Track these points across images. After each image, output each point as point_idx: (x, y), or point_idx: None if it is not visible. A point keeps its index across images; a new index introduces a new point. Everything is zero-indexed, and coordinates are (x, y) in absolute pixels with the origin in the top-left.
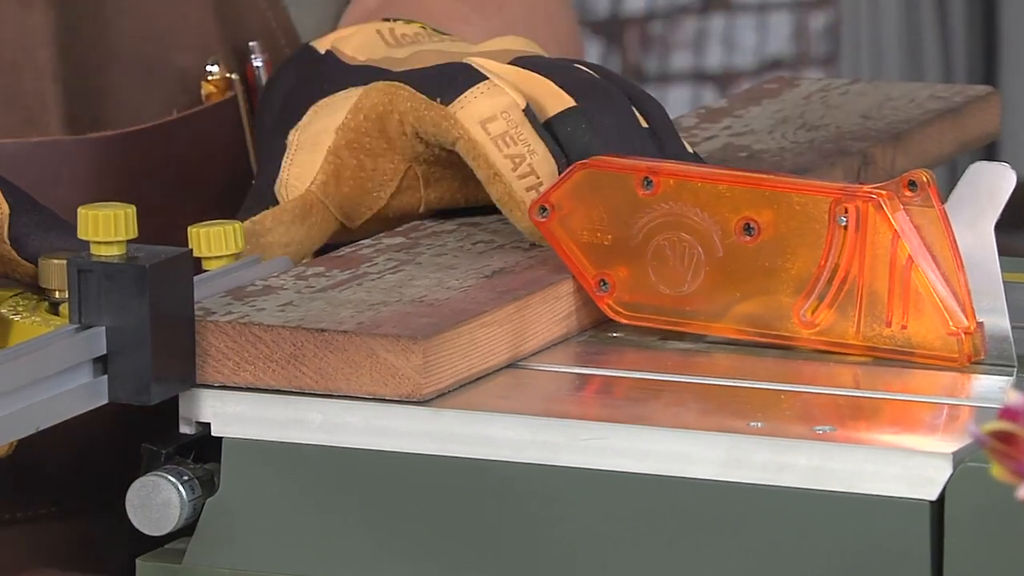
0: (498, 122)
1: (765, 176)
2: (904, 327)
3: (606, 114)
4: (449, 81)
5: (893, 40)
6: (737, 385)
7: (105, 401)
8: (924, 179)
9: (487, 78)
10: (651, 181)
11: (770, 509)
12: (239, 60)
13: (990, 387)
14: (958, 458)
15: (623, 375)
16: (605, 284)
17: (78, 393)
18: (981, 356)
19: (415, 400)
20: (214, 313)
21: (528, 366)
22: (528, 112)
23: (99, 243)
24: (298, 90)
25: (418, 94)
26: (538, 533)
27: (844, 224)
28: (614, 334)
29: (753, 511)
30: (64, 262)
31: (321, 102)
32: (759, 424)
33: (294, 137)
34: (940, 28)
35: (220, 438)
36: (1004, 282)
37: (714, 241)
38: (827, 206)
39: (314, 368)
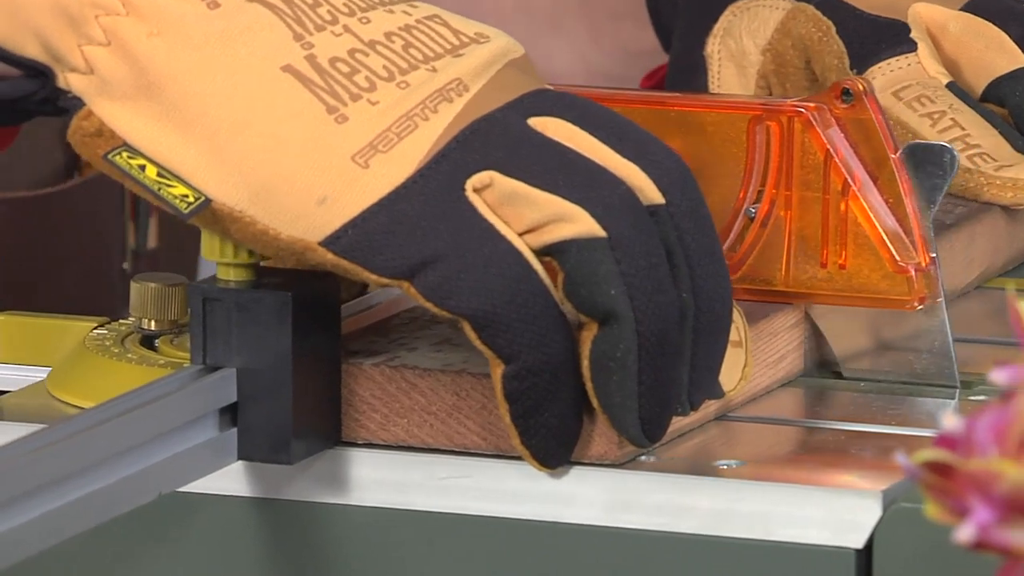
0: (912, 87)
1: (670, 96)
2: (842, 266)
3: None
4: (875, 42)
5: None
6: None
7: (234, 461)
8: (860, 87)
9: (914, 49)
10: None
11: (665, 560)
12: None
13: (928, 411)
14: (889, 498)
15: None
16: None
17: (201, 451)
18: (938, 297)
19: (608, 463)
20: (356, 354)
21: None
22: (952, 87)
23: (228, 265)
24: None
25: (842, 50)
26: None
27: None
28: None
29: (644, 563)
30: (160, 285)
31: (739, 3)
32: (651, 458)
33: (713, 47)
34: None
35: None
36: (947, 289)
37: None
38: (745, 126)
39: (480, 423)
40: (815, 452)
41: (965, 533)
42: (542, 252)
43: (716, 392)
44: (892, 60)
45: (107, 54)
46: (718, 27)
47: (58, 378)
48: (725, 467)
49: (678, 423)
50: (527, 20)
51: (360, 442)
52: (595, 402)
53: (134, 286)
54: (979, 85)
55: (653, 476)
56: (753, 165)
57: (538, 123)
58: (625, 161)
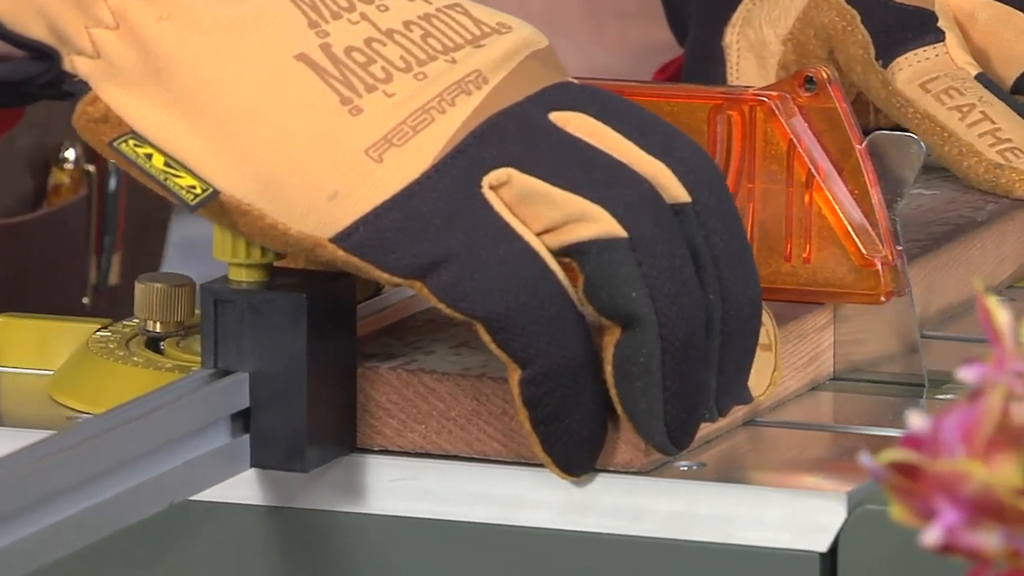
0: (941, 79)
1: (628, 85)
2: (807, 260)
3: None
4: (901, 31)
5: None
6: None
7: (247, 468)
8: (824, 75)
9: (942, 39)
10: None
11: (622, 564)
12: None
13: (894, 410)
14: (854, 499)
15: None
16: None
17: (213, 459)
18: (904, 292)
19: (634, 470)
20: (372, 357)
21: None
22: (981, 78)
23: (240, 266)
24: None
25: (867, 40)
26: None
27: None
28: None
29: (601, 567)
30: (166, 285)
31: None
32: (680, 465)
33: (732, 37)
34: None
35: None
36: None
37: None
38: (705, 115)
39: (501, 429)
40: (786, 454)
41: (932, 536)
42: (561, 253)
43: (745, 397)
44: (919, 50)
45: (115, 38)
46: (737, 16)
47: (61, 382)
48: (685, 468)
49: (705, 429)
50: (528, 18)
51: (376, 449)
52: (620, 408)
53: (139, 287)
54: (1009, 76)
55: (609, 478)
56: (714, 156)
57: (560, 118)
58: (649, 158)
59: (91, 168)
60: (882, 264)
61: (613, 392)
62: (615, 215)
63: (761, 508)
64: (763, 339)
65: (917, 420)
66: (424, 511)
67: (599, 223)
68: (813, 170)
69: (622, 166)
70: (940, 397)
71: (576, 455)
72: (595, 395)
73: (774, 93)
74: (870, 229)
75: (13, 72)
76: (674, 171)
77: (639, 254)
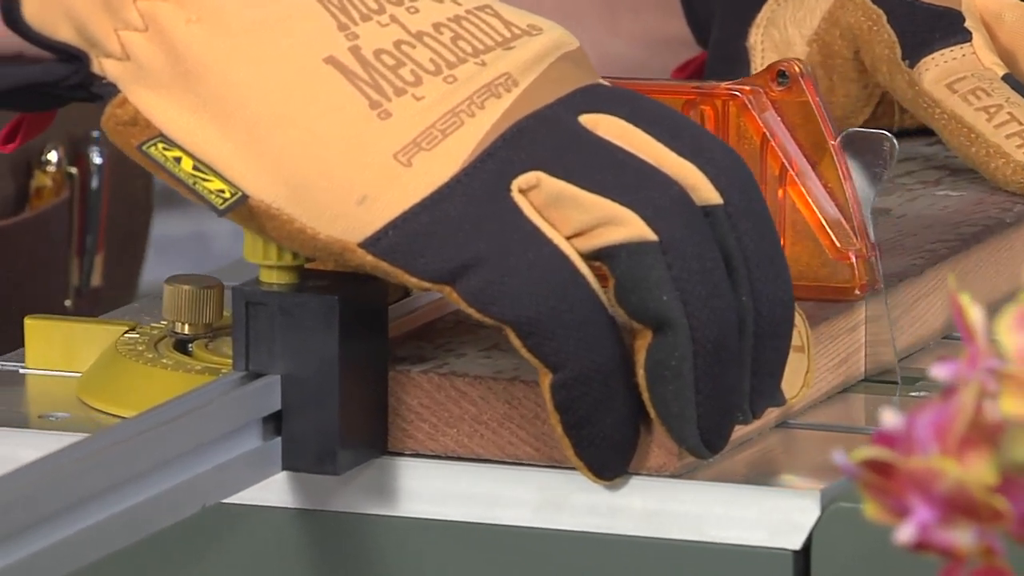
0: (967, 79)
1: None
2: None
3: None
4: (928, 31)
5: None
6: None
7: (279, 471)
8: (796, 69)
9: (969, 40)
10: None
11: (597, 562)
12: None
13: (866, 408)
14: (827, 497)
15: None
16: None
17: (244, 462)
18: (879, 285)
19: (667, 474)
20: (403, 360)
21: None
22: (1008, 79)
23: (271, 268)
24: None
25: (893, 40)
26: None
27: None
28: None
29: (576, 565)
30: (194, 287)
31: None
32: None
33: (756, 38)
34: None
35: None
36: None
37: None
38: (679, 109)
39: (533, 433)
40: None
41: (905, 533)
42: (591, 256)
43: (778, 399)
44: (946, 51)
45: (144, 40)
46: (761, 16)
47: (89, 384)
48: None
49: (737, 431)
50: (541, 9)
51: (408, 453)
52: (652, 412)
53: (167, 288)
54: None
55: (581, 476)
56: None
57: (589, 120)
58: (680, 159)
59: (73, 170)
60: (856, 257)
61: (645, 396)
62: (645, 218)
63: (735, 506)
64: (795, 341)
65: (890, 417)
66: (457, 514)
67: (629, 226)
68: (787, 164)
69: (652, 168)
70: (916, 395)
71: (609, 459)
72: (627, 399)
73: (747, 87)
74: (844, 223)
75: (42, 75)
76: (705, 173)
77: (669, 257)
